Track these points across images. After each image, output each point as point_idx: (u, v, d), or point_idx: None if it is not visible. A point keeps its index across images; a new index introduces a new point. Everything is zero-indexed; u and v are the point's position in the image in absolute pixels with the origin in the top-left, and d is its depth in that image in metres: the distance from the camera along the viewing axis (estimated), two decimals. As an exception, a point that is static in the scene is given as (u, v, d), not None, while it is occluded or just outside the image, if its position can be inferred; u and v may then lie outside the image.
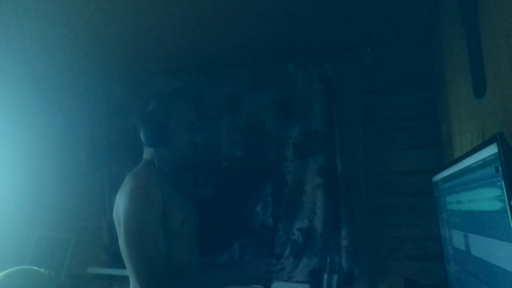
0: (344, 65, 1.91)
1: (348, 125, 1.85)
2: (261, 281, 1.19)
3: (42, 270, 1.45)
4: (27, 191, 2.56)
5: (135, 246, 1.03)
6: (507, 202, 0.63)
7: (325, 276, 1.51)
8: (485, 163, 0.76)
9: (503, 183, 0.65)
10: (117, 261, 2.13)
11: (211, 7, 1.54)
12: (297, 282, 1.79)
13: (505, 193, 0.64)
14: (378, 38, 1.83)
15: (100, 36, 1.81)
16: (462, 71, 1.17)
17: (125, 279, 2.14)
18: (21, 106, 2.65)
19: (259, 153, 1.93)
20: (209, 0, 1.49)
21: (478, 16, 0.97)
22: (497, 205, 0.70)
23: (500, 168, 0.66)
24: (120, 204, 1.10)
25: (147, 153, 1.22)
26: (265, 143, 1.94)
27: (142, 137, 1.16)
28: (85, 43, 1.89)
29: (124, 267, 1.11)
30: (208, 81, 2.11)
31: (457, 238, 1.08)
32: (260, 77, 2.02)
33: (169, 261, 1.06)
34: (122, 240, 1.07)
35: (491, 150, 0.71)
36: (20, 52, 1.99)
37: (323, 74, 1.88)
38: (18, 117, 2.66)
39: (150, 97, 1.27)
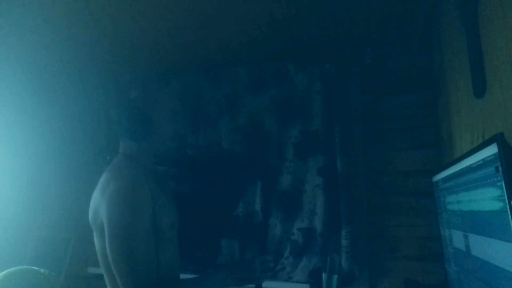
0: (344, 65, 1.91)
1: (348, 125, 1.84)
2: (254, 280, 1.11)
3: (42, 270, 1.44)
4: (28, 191, 2.56)
5: (124, 254, 0.91)
6: (507, 202, 0.63)
7: (325, 276, 1.51)
8: (485, 163, 0.76)
9: (503, 183, 0.65)
10: (117, 261, 2.12)
11: (211, 7, 1.54)
12: (297, 282, 1.79)
13: (505, 193, 0.64)
14: (378, 38, 1.83)
15: (100, 36, 1.81)
16: (462, 71, 1.17)
17: (125, 279, 2.14)
18: (21, 106, 2.65)
19: (259, 154, 1.92)
20: (209, 0, 1.49)
21: (478, 16, 0.97)
22: (497, 205, 0.70)
23: (500, 168, 0.66)
24: (103, 206, 0.97)
25: (126, 146, 1.09)
26: (265, 143, 1.94)
27: (121, 128, 1.05)
28: (85, 43, 1.89)
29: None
30: (208, 81, 2.11)
31: (457, 238, 1.08)
32: (260, 77, 2.02)
33: (158, 267, 0.96)
34: (107, 246, 0.94)
35: (491, 150, 0.71)
36: (20, 52, 1.99)
37: (323, 74, 1.88)
38: (18, 117, 2.66)
39: (130, 83, 1.12)
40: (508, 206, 0.62)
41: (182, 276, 1.13)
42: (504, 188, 0.64)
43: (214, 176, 1.29)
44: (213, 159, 1.47)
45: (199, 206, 1.23)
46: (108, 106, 1.08)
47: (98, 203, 1.00)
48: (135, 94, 1.07)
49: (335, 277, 1.45)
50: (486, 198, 0.77)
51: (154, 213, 0.96)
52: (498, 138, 0.66)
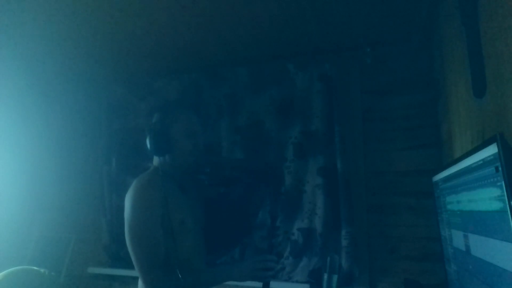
0: (344, 65, 1.91)
1: (348, 125, 1.84)
2: (258, 277, 1.22)
3: (42, 270, 1.45)
4: (27, 191, 2.56)
5: (136, 244, 1.12)
6: (507, 202, 0.63)
7: (325, 276, 1.51)
8: (485, 163, 0.76)
9: (503, 183, 0.65)
10: (117, 261, 2.12)
11: (211, 7, 1.54)
12: (297, 282, 1.79)
13: (505, 193, 0.64)
14: (378, 38, 1.83)
15: (100, 36, 1.81)
16: (462, 71, 1.17)
17: (125, 279, 2.14)
18: (21, 106, 2.65)
19: (259, 154, 1.94)
20: (209, 0, 1.49)
21: (478, 16, 0.97)
22: (497, 205, 0.70)
23: (500, 168, 0.66)
24: (125, 206, 1.18)
25: (155, 159, 1.29)
26: (265, 143, 1.94)
27: (148, 146, 1.24)
28: (85, 43, 1.89)
29: (123, 267, 1.15)
30: (208, 81, 2.11)
31: (457, 238, 1.08)
32: (260, 77, 2.02)
33: (170, 258, 1.13)
34: (126, 236, 1.15)
35: (491, 150, 0.71)
36: (20, 52, 1.99)
37: (323, 74, 1.88)
38: (18, 117, 2.66)
39: (155, 107, 1.36)
40: (508, 206, 0.62)
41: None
42: (504, 188, 0.64)
43: (237, 183, 1.41)
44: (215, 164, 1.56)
45: (226, 210, 1.39)
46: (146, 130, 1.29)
47: (125, 203, 1.20)
48: (156, 118, 1.28)
49: (335, 277, 1.46)
50: (486, 198, 0.77)
51: (165, 211, 1.14)
52: (498, 138, 0.66)
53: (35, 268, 1.44)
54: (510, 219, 0.62)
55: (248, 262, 1.22)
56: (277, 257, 1.38)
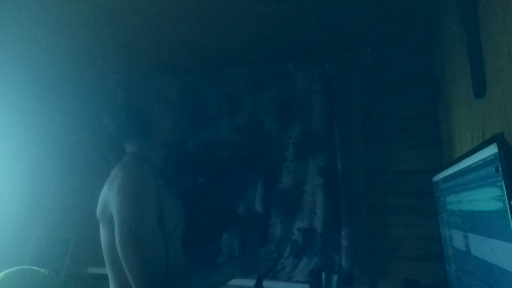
0: (344, 65, 1.91)
1: (348, 125, 1.85)
2: (259, 269, 1.16)
3: (42, 270, 1.44)
4: (27, 191, 2.56)
5: (132, 244, 0.90)
6: (507, 202, 0.63)
7: (325, 276, 1.51)
8: (485, 163, 0.76)
9: (503, 183, 0.65)
10: (117, 261, 2.12)
11: (211, 7, 1.54)
12: (297, 282, 1.79)
13: (505, 193, 0.64)
14: (378, 38, 1.83)
15: (100, 36, 1.81)
16: (462, 71, 1.17)
17: (125, 279, 2.14)
18: (21, 106, 2.65)
19: (259, 154, 1.93)
20: (209, 0, 1.49)
21: (478, 16, 0.97)
22: (497, 205, 0.70)
23: (500, 168, 0.66)
24: (111, 198, 0.96)
25: (131, 147, 1.08)
26: (265, 143, 1.94)
27: (120, 131, 1.04)
28: (85, 43, 1.89)
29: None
30: (208, 81, 2.11)
31: (457, 238, 1.08)
32: (260, 77, 2.02)
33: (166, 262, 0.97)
34: (116, 238, 0.93)
35: (491, 150, 0.71)
36: (20, 52, 1.99)
37: (323, 74, 1.88)
38: (18, 117, 2.66)
39: (115, 85, 1.11)
40: (508, 206, 0.62)
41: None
42: (504, 188, 0.64)
43: (215, 171, 1.31)
44: (213, 152, 1.48)
45: (202, 203, 1.25)
46: (101, 115, 1.08)
47: (107, 196, 0.99)
48: (122, 95, 1.08)
49: (335, 277, 1.45)
50: (486, 198, 0.77)
51: (162, 210, 0.96)
52: (498, 138, 0.66)
53: (35, 268, 1.44)
54: (510, 219, 0.62)
55: (252, 257, 1.14)
56: (273, 247, 1.32)
